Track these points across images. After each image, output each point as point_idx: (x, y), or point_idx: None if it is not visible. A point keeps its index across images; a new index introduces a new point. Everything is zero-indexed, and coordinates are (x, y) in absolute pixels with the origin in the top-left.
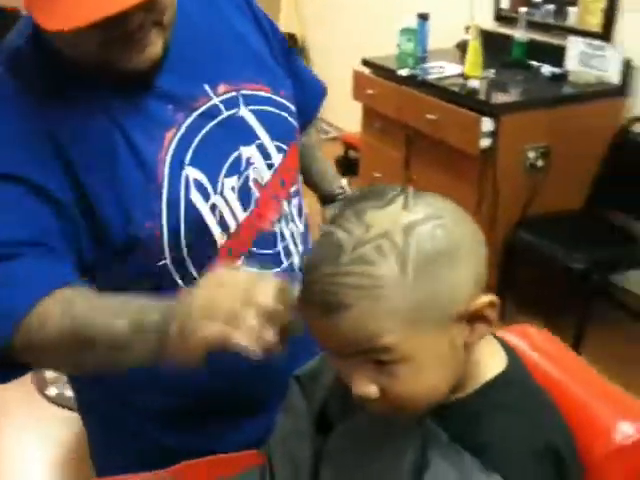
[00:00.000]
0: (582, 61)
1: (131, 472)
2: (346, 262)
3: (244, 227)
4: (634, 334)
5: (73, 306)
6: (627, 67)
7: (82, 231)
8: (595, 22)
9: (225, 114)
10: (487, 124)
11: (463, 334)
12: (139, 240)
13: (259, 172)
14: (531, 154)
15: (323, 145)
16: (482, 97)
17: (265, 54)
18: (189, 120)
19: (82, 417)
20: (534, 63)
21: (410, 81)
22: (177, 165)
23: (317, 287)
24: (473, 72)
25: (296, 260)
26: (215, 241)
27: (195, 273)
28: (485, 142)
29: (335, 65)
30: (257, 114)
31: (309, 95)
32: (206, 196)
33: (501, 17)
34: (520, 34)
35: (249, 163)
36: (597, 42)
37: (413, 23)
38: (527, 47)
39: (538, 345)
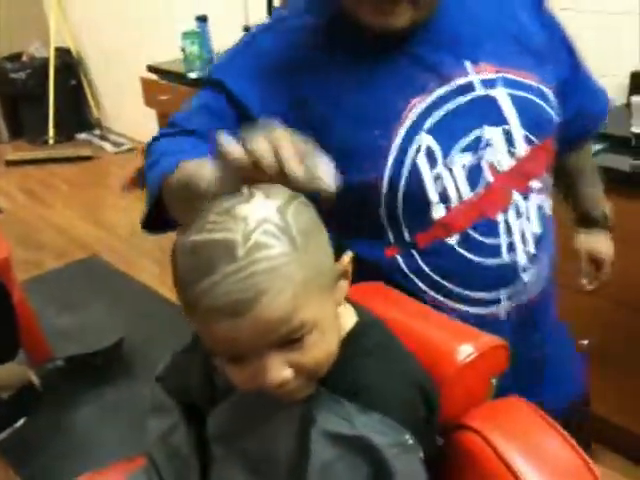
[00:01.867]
0: None
1: None
2: (244, 254)
3: (466, 207)
4: None
5: None
6: None
7: None
8: None
9: (479, 92)
10: None
11: (339, 292)
12: (358, 183)
13: (497, 157)
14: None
15: (119, 158)
16: None
17: (543, 47)
18: (440, 90)
19: None
20: None
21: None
22: (414, 129)
23: (223, 289)
24: None
25: (521, 260)
26: (430, 211)
27: (408, 237)
28: None
29: (120, 74)
30: (514, 99)
31: (591, 103)
32: (433, 165)
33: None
34: None
35: (488, 144)
36: None
37: (192, 26)
38: None
39: (382, 297)
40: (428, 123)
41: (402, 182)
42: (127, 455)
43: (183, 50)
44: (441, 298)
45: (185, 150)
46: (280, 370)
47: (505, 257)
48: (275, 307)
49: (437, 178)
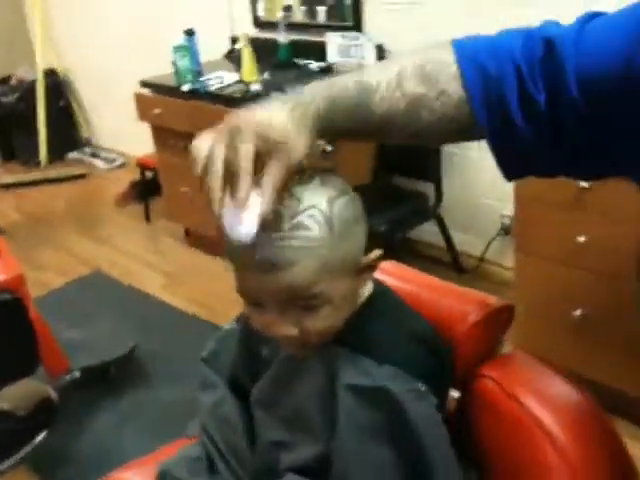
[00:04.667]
0: (341, 52)
1: None
2: (288, 228)
3: None
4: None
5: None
6: (380, 51)
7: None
8: (347, 17)
9: None
10: None
11: (362, 278)
12: None
13: None
14: (321, 142)
15: (111, 174)
16: (265, 98)
17: None
18: None
19: None
20: (300, 61)
21: (195, 94)
22: None
23: (263, 249)
24: (250, 77)
25: None
26: None
27: None
28: None
29: (110, 92)
30: None
31: None
32: None
33: (260, 24)
34: (282, 37)
35: None
36: (352, 34)
37: (180, 40)
38: (291, 48)
39: (396, 274)
40: None
41: None
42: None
43: (174, 64)
44: None
45: None
46: (288, 327)
47: None
48: (298, 277)
49: None
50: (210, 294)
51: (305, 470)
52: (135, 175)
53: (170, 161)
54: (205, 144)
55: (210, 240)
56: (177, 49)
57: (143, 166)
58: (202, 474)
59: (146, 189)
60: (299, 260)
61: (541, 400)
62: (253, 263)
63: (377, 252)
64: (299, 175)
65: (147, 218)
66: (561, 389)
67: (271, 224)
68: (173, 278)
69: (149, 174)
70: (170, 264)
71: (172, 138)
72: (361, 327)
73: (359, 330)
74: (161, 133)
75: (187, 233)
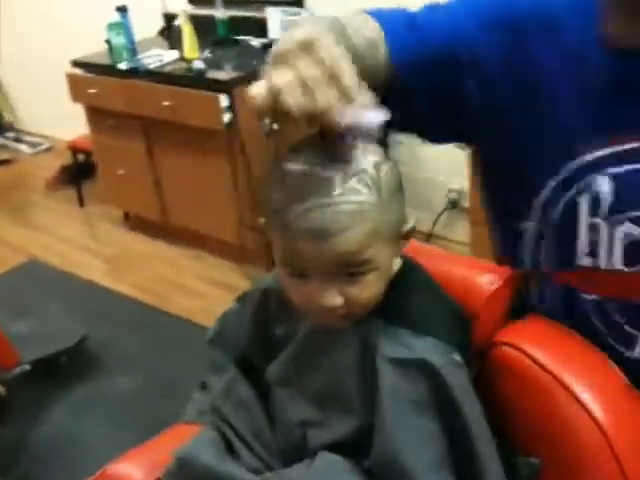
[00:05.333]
0: (283, 28)
1: None
2: (339, 193)
3: (614, 277)
4: None
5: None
6: None
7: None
8: None
9: None
10: (224, 100)
11: (399, 247)
12: (518, 193)
13: None
14: (267, 120)
15: (38, 159)
16: (211, 76)
17: None
18: None
19: None
20: (241, 38)
21: (133, 73)
22: (599, 165)
23: (317, 214)
24: (192, 55)
25: None
26: (575, 253)
27: (544, 268)
28: (226, 117)
29: (35, 75)
30: None
31: None
32: (593, 213)
33: (195, 0)
34: (220, 13)
35: None
36: (293, 9)
37: (112, 18)
38: (230, 24)
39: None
40: (620, 169)
41: (558, 208)
42: (107, 448)
43: (108, 42)
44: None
45: None
46: (334, 296)
47: (637, 352)
48: (352, 241)
49: (592, 229)
50: (154, 279)
51: (338, 447)
52: (64, 159)
53: (106, 143)
54: (281, 73)
55: (151, 223)
56: (111, 26)
57: (75, 149)
58: (228, 459)
59: (78, 172)
60: (352, 225)
61: (564, 362)
62: (304, 230)
63: (413, 221)
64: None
65: (80, 203)
66: (579, 349)
67: (321, 190)
68: (115, 264)
69: (81, 157)
70: (110, 249)
71: (109, 119)
72: (396, 299)
73: (394, 302)
74: (96, 114)
75: (126, 217)
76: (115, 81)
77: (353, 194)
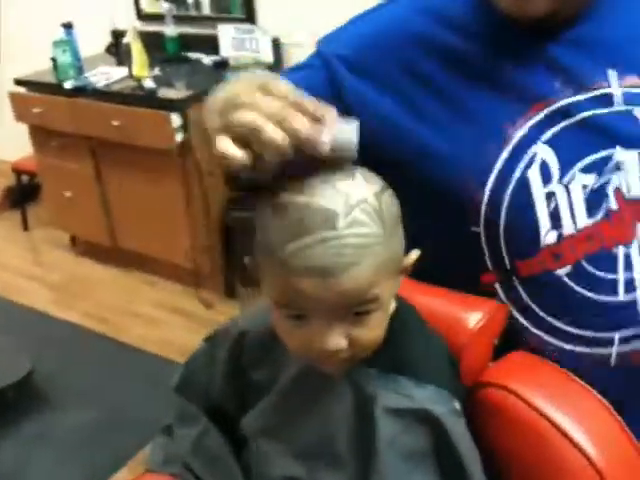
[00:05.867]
0: (235, 46)
1: None
2: (344, 225)
3: (581, 234)
4: None
5: None
6: (276, 45)
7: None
8: (235, 8)
9: (619, 107)
10: (176, 119)
11: (399, 283)
12: (457, 195)
13: (628, 182)
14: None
15: None
16: (162, 95)
17: None
18: (572, 99)
19: None
20: (192, 55)
21: (80, 92)
22: (530, 138)
23: (320, 250)
24: (141, 73)
25: None
26: (538, 235)
27: (508, 264)
28: (179, 137)
29: None
30: None
31: None
32: (547, 180)
33: (144, 16)
34: (170, 30)
35: (618, 168)
36: (245, 26)
37: (58, 36)
38: (180, 41)
39: None
40: (549, 133)
41: (507, 196)
42: None
43: (54, 60)
44: (545, 336)
45: None
46: (339, 338)
47: (621, 295)
48: (359, 278)
49: (550, 197)
50: (106, 307)
51: None
52: (7, 180)
53: (52, 164)
54: (247, 114)
55: (100, 248)
56: (57, 44)
57: (18, 170)
58: None
59: (22, 195)
60: (358, 260)
61: (556, 403)
62: (305, 268)
63: (416, 252)
64: (338, 170)
65: (25, 226)
66: (573, 389)
67: (323, 223)
68: (62, 291)
69: (25, 179)
70: (57, 276)
71: (54, 139)
72: (392, 344)
73: (389, 347)
74: (41, 134)
75: (73, 241)
76: (61, 100)
77: (358, 226)
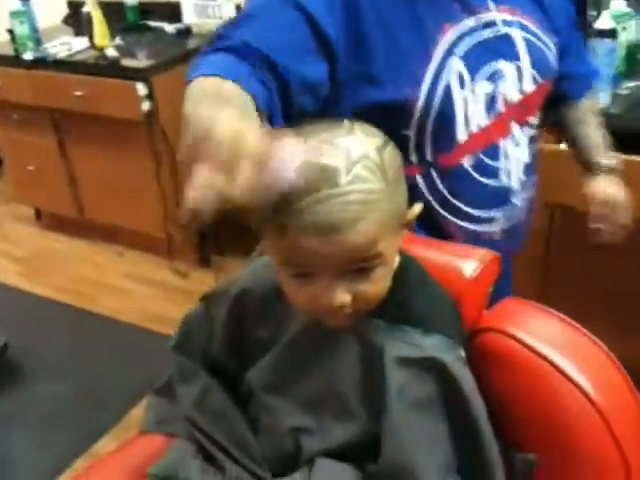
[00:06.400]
0: (198, 12)
1: None
2: (346, 182)
3: (482, 132)
4: None
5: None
6: (240, 11)
7: (338, 72)
8: None
9: (500, 29)
10: (142, 89)
11: (402, 236)
12: (395, 101)
13: (509, 90)
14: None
15: None
16: (127, 64)
17: (549, 7)
18: (470, 22)
19: None
20: (153, 23)
21: (40, 63)
22: (448, 51)
23: (325, 207)
24: (103, 42)
25: (514, 184)
26: (456, 134)
27: (430, 158)
28: (145, 106)
29: None
30: (527, 42)
31: (581, 66)
32: (462, 89)
33: None
34: None
35: (504, 77)
36: None
37: (16, 6)
38: (140, 10)
39: None
40: (460, 49)
41: (436, 102)
42: (37, 462)
43: (11, 31)
44: (450, 217)
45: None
46: (343, 294)
47: (503, 180)
48: (364, 233)
49: (464, 102)
50: (76, 279)
51: (334, 454)
52: None
53: (13, 137)
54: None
55: (66, 221)
56: (14, 15)
57: None
58: (211, 473)
59: None
60: (363, 216)
61: (555, 345)
62: (311, 226)
63: (419, 206)
64: (338, 126)
65: None
66: (566, 330)
67: (325, 181)
68: (30, 265)
69: None
70: (23, 250)
71: (15, 112)
72: (398, 296)
73: (396, 299)
74: (1, 108)
75: (38, 215)
76: (20, 72)
77: (361, 182)
